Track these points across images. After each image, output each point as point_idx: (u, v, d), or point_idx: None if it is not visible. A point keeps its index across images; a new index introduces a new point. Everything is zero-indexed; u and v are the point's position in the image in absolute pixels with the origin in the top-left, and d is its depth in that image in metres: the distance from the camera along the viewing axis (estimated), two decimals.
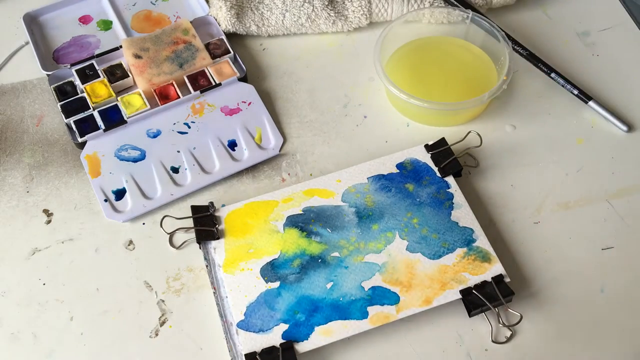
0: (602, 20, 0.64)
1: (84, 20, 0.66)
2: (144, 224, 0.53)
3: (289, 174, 0.56)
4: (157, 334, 0.48)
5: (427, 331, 0.47)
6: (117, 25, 0.65)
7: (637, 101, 0.59)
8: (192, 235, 0.51)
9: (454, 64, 0.60)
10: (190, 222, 0.52)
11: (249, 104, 0.59)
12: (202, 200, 0.54)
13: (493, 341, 0.46)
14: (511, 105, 0.59)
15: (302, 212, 0.51)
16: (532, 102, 0.59)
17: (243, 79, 0.60)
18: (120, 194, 0.54)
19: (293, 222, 0.51)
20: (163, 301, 0.49)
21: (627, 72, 0.61)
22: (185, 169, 0.55)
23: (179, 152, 0.56)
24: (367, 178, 0.53)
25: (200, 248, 0.51)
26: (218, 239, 0.50)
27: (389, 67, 0.59)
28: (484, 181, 0.54)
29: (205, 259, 0.50)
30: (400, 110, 0.59)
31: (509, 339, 0.46)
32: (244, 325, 0.46)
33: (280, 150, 0.57)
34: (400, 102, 0.57)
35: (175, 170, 0.55)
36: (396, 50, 0.61)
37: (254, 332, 0.46)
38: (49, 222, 0.54)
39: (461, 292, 0.46)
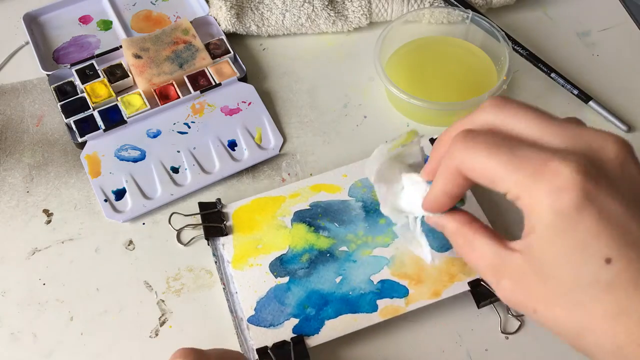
0: (602, 20, 0.64)
1: (84, 20, 0.66)
2: (144, 224, 0.53)
3: (289, 174, 0.56)
4: (157, 334, 0.48)
5: (426, 331, 0.47)
6: (117, 25, 0.65)
7: (637, 101, 0.59)
8: (199, 232, 0.52)
9: (453, 64, 0.60)
10: (197, 219, 0.52)
11: (249, 104, 0.59)
12: (202, 200, 0.54)
13: (502, 332, 0.46)
14: None
15: (309, 207, 0.51)
16: (532, 102, 0.59)
17: (243, 79, 0.60)
18: (120, 194, 0.54)
19: (301, 217, 0.51)
20: (163, 301, 0.49)
21: (627, 72, 0.61)
22: (185, 169, 0.55)
23: (179, 152, 0.56)
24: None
25: (208, 244, 0.51)
26: (226, 235, 0.51)
27: (389, 67, 0.59)
28: None
29: (214, 255, 0.50)
30: (400, 110, 0.59)
31: (518, 329, 0.46)
32: (254, 320, 0.46)
33: (280, 150, 0.57)
34: (400, 102, 0.57)
35: (175, 170, 0.55)
36: (396, 50, 0.61)
37: (264, 327, 0.46)
38: (49, 222, 0.54)
39: (469, 284, 0.47)
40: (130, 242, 0.52)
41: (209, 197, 0.54)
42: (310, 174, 0.55)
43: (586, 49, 0.62)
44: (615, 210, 0.28)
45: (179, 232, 0.52)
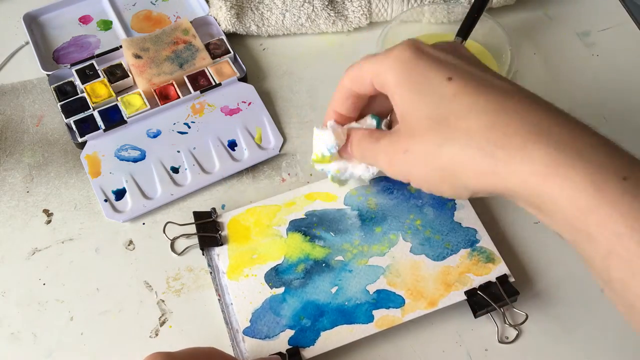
0: (602, 20, 0.64)
1: (84, 20, 0.66)
2: (144, 224, 0.53)
3: (289, 174, 0.56)
4: (157, 334, 0.48)
5: (426, 331, 0.47)
6: (117, 25, 0.65)
7: (637, 101, 0.59)
8: (194, 241, 0.51)
9: None
10: (192, 228, 0.51)
11: (249, 104, 0.59)
12: (202, 200, 0.54)
13: (499, 341, 0.46)
14: None
15: (304, 217, 0.51)
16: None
17: (243, 79, 0.60)
18: (120, 194, 0.54)
19: (296, 226, 0.51)
20: (163, 301, 0.49)
21: (627, 72, 0.61)
22: (185, 169, 0.55)
23: (179, 152, 0.56)
24: (369, 180, 0.53)
25: (203, 254, 0.50)
26: (221, 245, 0.50)
27: None
28: None
29: (209, 265, 0.50)
30: None
31: (515, 339, 0.46)
32: (250, 332, 0.46)
33: (280, 150, 0.57)
34: None
35: (175, 170, 0.55)
36: None
37: (260, 338, 0.46)
38: (49, 222, 0.54)
39: (466, 293, 0.46)
40: (130, 242, 0.52)
41: (208, 197, 0.54)
42: (310, 174, 0.55)
43: (586, 49, 0.62)
44: (441, 56, 0.38)
45: (173, 241, 0.52)
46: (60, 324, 0.48)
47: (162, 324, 0.48)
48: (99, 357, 0.47)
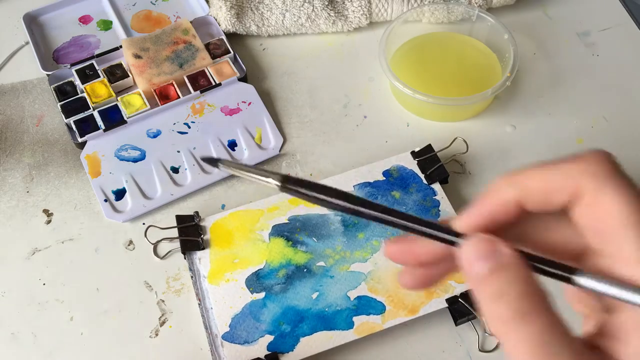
0: (602, 20, 0.64)
1: (84, 20, 0.66)
2: (144, 224, 0.53)
3: (289, 174, 0.55)
4: (157, 334, 0.48)
5: (426, 331, 0.47)
6: (117, 25, 0.65)
7: (637, 101, 0.59)
8: (177, 244, 0.51)
9: (458, 59, 0.60)
10: (175, 232, 0.51)
11: (249, 104, 0.59)
12: (202, 200, 0.54)
13: (480, 350, 0.46)
14: (512, 105, 0.59)
15: (287, 221, 0.51)
16: (532, 102, 0.59)
17: (243, 79, 0.60)
18: (120, 194, 0.54)
19: (279, 231, 0.50)
20: (163, 301, 0.49)
21: (627, 72, 0.61)
22: (185, 169, 0.55)
23: (179, 152, 0.56)
24: (353, 186, 0.52)
25: (185, 258, 0.50)
26: (203, 249, 0.50)
27: (393, 63, 0.59)
28: (479, 185, 0.54)
29: (190, 269, 0.49)
30: (406, 105, 0.59)
31: (495, 348, 0.46)
32: (229, 337, 0.46)
33: (280, 150, 0.57)
34: (405, 97, 0.58)
35: (175, 170, 0.55)
36: (401, 45, 0.61)
37: (239, 343, 0.45)
38: (49, 222, 0.54)
39: (447, 300, 0.46)
40: (130, 242, 0.52)
41: (208, 197, 0.54)
42: (310, 174, 0.55)
43: (586, 49, 0.62)
44: None
45: (155, 245, 0.52)
46: (60, 324, 0.48)
47: (162, 324, 0.48)
48: (99, 357, 0.47)
